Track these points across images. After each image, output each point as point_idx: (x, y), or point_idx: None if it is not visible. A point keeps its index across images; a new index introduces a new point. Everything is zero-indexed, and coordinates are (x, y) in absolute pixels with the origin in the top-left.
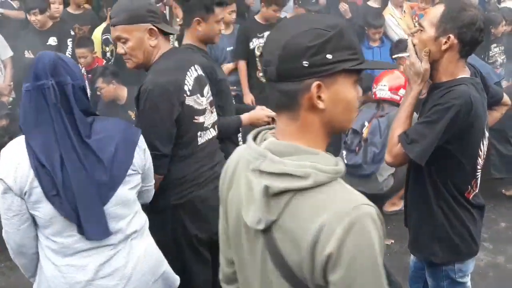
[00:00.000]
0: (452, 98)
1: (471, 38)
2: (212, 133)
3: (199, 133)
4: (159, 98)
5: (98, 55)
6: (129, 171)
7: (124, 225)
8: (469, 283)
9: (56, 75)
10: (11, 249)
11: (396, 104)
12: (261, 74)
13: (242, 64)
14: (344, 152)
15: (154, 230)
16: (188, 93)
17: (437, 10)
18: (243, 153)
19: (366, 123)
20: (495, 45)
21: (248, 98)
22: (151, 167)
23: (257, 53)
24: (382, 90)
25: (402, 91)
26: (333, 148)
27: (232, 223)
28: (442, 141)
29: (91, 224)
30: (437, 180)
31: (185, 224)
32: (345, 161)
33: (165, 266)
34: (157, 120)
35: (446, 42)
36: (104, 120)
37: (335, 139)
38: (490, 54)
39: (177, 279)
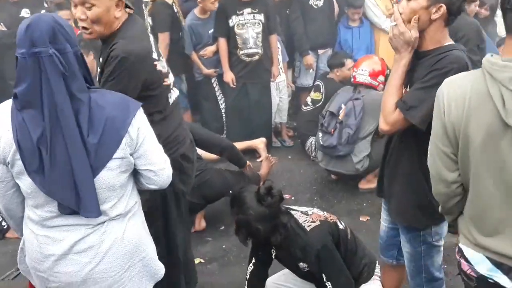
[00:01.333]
0: (450, 63)
1: (457, 8)
2: (175, 91)
3: (168, 95)
4: (135, 65)
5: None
6: (116, 155)
7: (107, 208)
8: (442, 248)
9: (55, 42)
10: (1, 210)
11: (373, 88)
12: (241, 52)
13: (222, 42)
14: (320, 134)
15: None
16: (156, 58)
17: None
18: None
19: (343, 106)
20: None
21: (229, 76)
22: (149, 149)
23: (237, 31)
24: (362, 74)
25: (381, 78)
26: (313, 129)
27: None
28: None
29: (85, 203)
30: (424, 146)
31: (173, 181)
32: (321, 143)
33: (148, 253)
34: (130, 86)
35: (436, 11)
36: (101, 93)
37: (315, 119)
38: None
39: (161, 268)
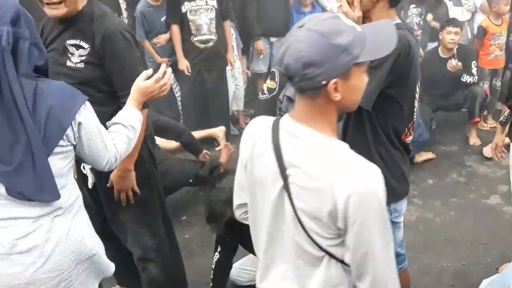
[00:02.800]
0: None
1: None
2: None
3: None
4: (132, 39)
5: None
6: (61, 143)
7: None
8: (402, 224)
9: (16, 25)
10: None
11: None
12: (195, 38)
13: (175, 29)
14: None
15: (136, 162)
16: None
17: None
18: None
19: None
20: (414, 5)
21: (183, 63)
22: (91, 142)
23: (190, 17)
24: None
25: None
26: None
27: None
28: (385, 85)
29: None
30: (377, 125)
31: (152, 152)
32: None
33: (97, 250)
34: (136, 58)
35: None
36: (44, 83)
37: (272, 106)
38: (408, 14)
39: (111, 267)
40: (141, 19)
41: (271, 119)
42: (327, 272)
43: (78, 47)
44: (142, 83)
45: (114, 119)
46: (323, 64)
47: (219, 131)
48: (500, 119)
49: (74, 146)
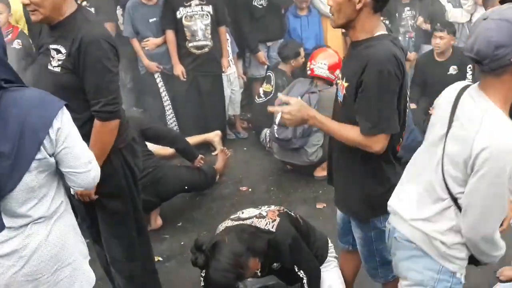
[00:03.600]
0: (378, 63)
1: None
2: None
3: None
4: (110, 49)
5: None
6: (37, 156)
7: (25, 211)
8: None
9: None
10: None
11: (329, 82)
12: (190, 44)
13: (170, 34)
14: (276, 126)
15: (107, 174)
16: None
17: None
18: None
19: (299, 98)
20: (408, 8)
21: (178, 69)
22: (70, 151)
23: (185, 23)
24: (321, 68)
25: (338, 72)
26: (267, 121)
27: None
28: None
29: None
30: None
31: (130, 164)
32: (276, 135)
33: (77, 257)
34: (108, 69)
35: (359, 1)
36: (19, 92)
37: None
38: (403, 16)
39: (91, 278)
40: (128, 14)
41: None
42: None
43: (57, 51)
44: None
45: None
46: (511, 45)
47: (214, 136)
48: None
49: (54, 156)
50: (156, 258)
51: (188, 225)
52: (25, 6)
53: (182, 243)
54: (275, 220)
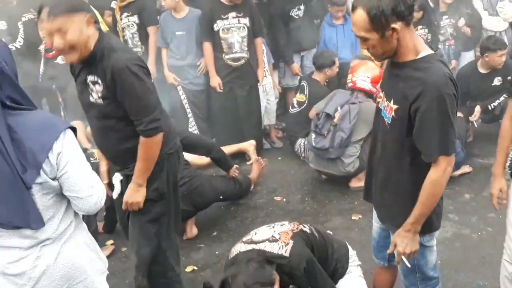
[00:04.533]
0: (436, 88)
1: (405, 8)
2: None
3: None
4: (140, 70)
5: None
6: (38, 180)
7: (31, 232)
8: (435, 246)
9: None
10: None
11: (369, 95)
12: (227, 56)
13: (207, 46)
14: (313, 135)
15: (153, 179)
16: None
17: (360, 16)
18: None
19: (339, 108)
20: (446, 16)
21: (215, 80)
22: (72, 176)
23: (222, 35)
24: (364, 81)
25: (379, 85)
26: (301, 131)
27: None
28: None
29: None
30: (415, 156)
31: (175, 171)
32: (313, 144)
33: (90, 274)
34: (145, 88)
35: (392, 32)
36: (21, 116)
37: (302, 119)
38: (441, 25)
39: None
40: (160, 25)
41: None
42: None
43: (95, 83)
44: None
45: None
46: None
47: (249, 146)
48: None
49: (57, 180)
50: (191, 268)
51: (223, 234)
52: (58, 51)
53: (216, 252)
54: (288, 243)
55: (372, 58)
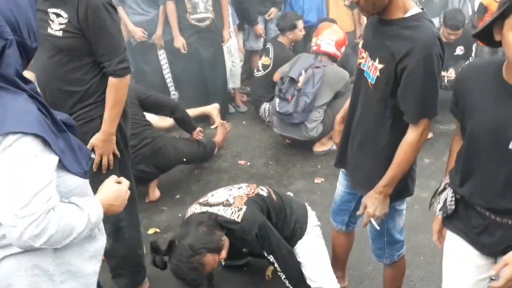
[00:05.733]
0: (424, 48)
1: None
2: None
3: None
4: (113, 11)
5: None
6: None
7: None
8: (404, 210)
9: None
10: None
11: (333, 59)
12: (191, 16)
13: (170, 5)
14: (277, 100)
15: None
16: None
17: None
18: None
19: (303, 72)
20: None
21: (179, 41)
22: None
23: None
24: (328, 44)
25: (343, 48)
26: (266, 95)
27: None
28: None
29: None
30: (398, 121)
31: (122, 127)
32: (277, 109)
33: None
34: (118, 30)
35: None
36: None
37: (267, 83)
38: None
39: None
40: None
41: None
42: None
43: (57, 15)
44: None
45: (74, 200)
46: None
47: (213, 109)
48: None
49: None
50: (154, 230)
51: (186, 197)
52: None
53: (179, 215)
54: (241, 209)
55: (361, 12)
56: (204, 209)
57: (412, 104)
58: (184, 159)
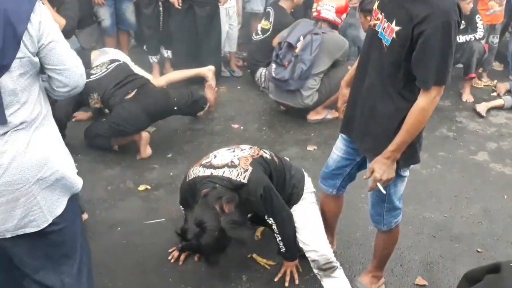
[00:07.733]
0: (444, 13)
1: None
2: None
3: None
4: None
5: None
6: (18, 54)
7: (8, 115)
8: (406, 178)
9: None
10: None
11: (334, 26)
12: None
13: None
14: (274, 66)
15: None
16: None
17: None
18: None
19: (301, 38)
20: None
21: None
22: (57, 46)
23: None
24: (328, 10)
25: (344, 16)
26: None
27: None
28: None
29: None
30: (408, 88)
31: None
32: (273, 75)
33: (61, 166)
34: None
35: None
36: None
37: (265, 48)
38: None
39: (78, 182)
40: None
41: None
42: None
43: None
44: None
45: None
46: None
47: (207, 71)
48: None
49: (38, 56)
50: (144, 186)
51: (178, 157)
52: None
53: (171, 173)
54: (247, 170)
55: None
56: (208, 171)
57: (426, 70)
58: (175, 107)
